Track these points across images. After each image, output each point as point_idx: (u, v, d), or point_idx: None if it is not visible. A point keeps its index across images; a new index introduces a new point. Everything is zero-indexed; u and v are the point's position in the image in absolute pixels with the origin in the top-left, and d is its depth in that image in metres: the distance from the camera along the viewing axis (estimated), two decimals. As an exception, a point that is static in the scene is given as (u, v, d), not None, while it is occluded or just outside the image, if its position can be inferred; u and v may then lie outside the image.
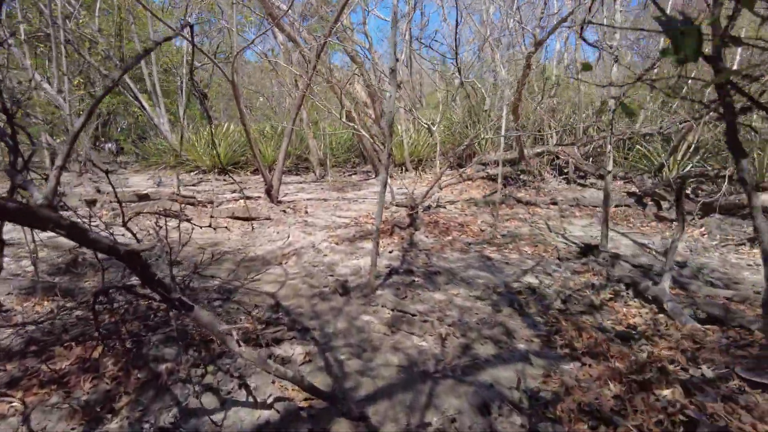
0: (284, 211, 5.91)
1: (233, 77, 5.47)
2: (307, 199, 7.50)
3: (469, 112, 11.29)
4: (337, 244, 4.32)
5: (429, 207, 6.38)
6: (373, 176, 11.39)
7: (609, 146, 3.78)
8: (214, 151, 12.20)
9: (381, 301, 2.80)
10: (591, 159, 9.48)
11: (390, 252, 4.02)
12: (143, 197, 6.33)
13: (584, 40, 2.25)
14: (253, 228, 5.23)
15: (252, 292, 3.00)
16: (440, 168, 7.73)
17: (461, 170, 6.70)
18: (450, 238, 4.68)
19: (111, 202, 5.98)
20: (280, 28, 7.65)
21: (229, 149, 12.18)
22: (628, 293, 3.04)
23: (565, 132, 10.10)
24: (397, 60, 2.71)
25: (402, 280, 3.28)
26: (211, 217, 5.46)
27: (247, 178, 11.16)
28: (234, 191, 8.89)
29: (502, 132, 5.42)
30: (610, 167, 3.81)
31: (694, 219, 5.78)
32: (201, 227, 3.94)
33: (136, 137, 20.78)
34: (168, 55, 16.06)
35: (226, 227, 5.24)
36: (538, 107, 8.40)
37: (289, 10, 9.80)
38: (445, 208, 6.81)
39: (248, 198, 6.93)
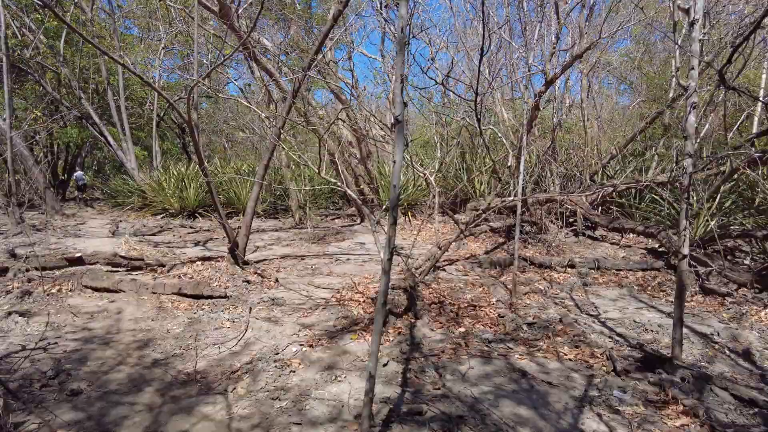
0: (248, 281, 4.72)
1: (190, 115, 4.40)
2: (281, 257, 6.33)
3: (462, 157, 10.41)
4: (311, 346, 3.15)
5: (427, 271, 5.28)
6: (358, 221, 10.34)
7: (684, 220, 2.74)
8: (183, 193, 11.02)
9: None
10: (599, 208, 8.58)
11: (384, 365, 2.86)
12: (75, 261, 5.09)
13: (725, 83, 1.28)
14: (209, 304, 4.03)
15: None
16: (437, 220, 6.68)
17: (462, 223, 5.69)
18: (462, 329, 3.56)
19: (27, 270, 4.71)
20: (254, 59, 6.69)
21: (201, 190, 11.00)
22: (762, 467, 1.95)
23: (569, 179, 9.24)
24: (405, 104, 1.67)
25: (407, 435, 2.12)
26: (153, 293, 4.24)
27: (217, 224, 9.92)
28: (197, 243, 7.70)
29: (520, 181, 4.41)
30: (686, 249, 2.75)
31: (741, 290, 4.78)
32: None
33: (109, 173, 19.47)
34: (143, 87, 15.00)
35: (171, 304, 4.04)
36: (544, 151, 7.52)
37: (267, 45, 8.92)
38: (444, 270, 5.72)
39: (209, 259, 5.74)
